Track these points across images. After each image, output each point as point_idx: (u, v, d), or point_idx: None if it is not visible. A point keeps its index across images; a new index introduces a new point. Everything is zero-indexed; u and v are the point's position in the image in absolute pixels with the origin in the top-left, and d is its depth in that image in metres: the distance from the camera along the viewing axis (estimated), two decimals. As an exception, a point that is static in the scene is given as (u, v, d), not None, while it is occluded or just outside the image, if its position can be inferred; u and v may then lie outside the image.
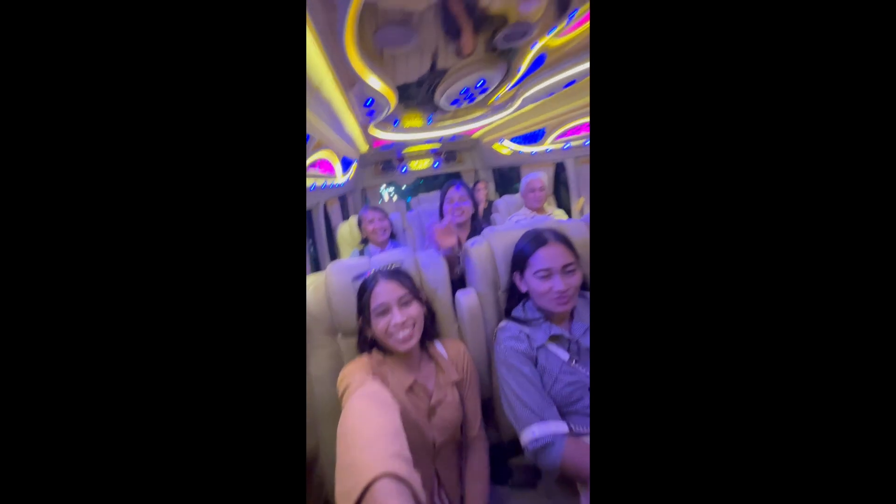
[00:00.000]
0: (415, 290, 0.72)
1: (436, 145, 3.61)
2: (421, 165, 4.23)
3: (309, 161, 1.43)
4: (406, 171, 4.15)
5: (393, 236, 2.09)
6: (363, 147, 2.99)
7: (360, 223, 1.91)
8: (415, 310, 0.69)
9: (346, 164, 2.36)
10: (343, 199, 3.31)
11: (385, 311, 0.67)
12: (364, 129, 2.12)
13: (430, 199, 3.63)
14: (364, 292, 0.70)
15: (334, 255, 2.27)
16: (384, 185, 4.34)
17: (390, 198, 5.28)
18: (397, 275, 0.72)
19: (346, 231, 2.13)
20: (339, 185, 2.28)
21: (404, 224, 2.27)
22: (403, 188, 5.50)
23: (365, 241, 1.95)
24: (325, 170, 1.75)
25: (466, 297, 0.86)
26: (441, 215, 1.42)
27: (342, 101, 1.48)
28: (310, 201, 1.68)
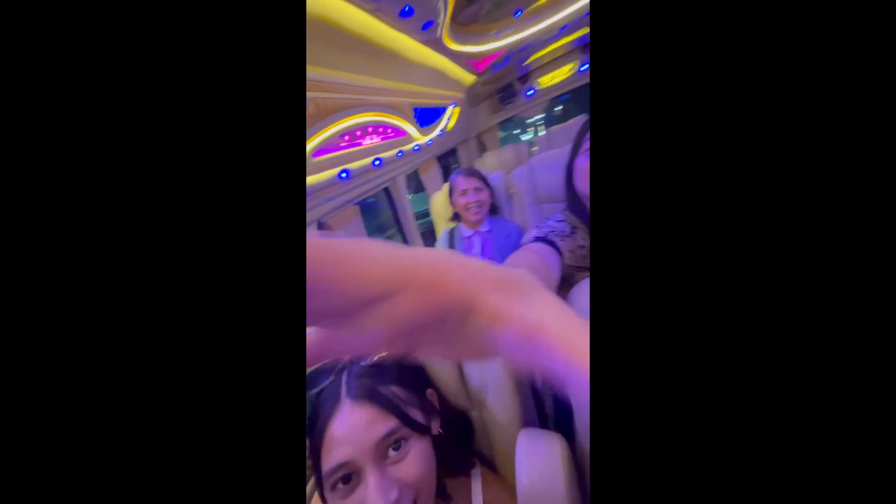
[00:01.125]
0: (424, 412, 0.32)
1: (583, 31, 2.14)
2: (557, 78, 2.82)
3: (341, 128, 1.05)
4: (534, 93, 2.93)
5: (494, 210, 1.52)
6: (466, 79, 2.25)
7: (450, 193, 1.47)
8: (416, 464, 0.28)
9: (427, 114, 1.82)
10: (446, 159, 2.83)
11: (349, 477, 0.28)
12: (453, 55, 1.45)
13: (569, 131, 2.41)
14: (315, 422, 0.31)
15: (431, 238, 2.01)
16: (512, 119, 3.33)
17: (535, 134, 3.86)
18: (380, 385, 0.31)
19: (440, 202, 1.72)
20: (427, 144, 1.83)
21: (509, 186, 1.57)
22: (535, 122, 3.99)
23: (456, 216, 1.53)
24: (387, 135, 1.35)
25: (546, 461, 0.33)
26: (570, 180, 0.66)
27: (383, 30, 0.94)
28: (376, 181, 1.39)
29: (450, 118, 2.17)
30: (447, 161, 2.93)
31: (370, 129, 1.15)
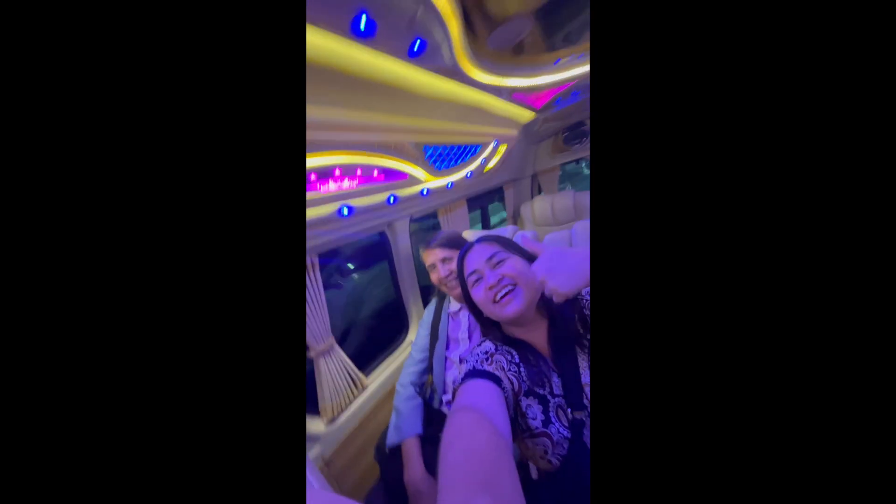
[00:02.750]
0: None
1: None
2: None
3: (314, 163, 0.87)
4: (613, 135, 2.40)
5: None
6: (522, 117, 1.92)
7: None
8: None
9: (452, 154, 1.53)
10: (488, 199, 2.47)
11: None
12: (510, 98, 1.18)
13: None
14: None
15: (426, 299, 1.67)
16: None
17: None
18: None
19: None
20: (447, 188, 1.54)
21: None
22: None
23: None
24: (390, 176, 1.11)
25: None
26: (479, 314, 0.67)
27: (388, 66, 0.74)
28: (373, 226, 1.17)
29: (487, 158, 1.85)
30: (486, 202, 2.58)
31: (337, 172, 0.93)
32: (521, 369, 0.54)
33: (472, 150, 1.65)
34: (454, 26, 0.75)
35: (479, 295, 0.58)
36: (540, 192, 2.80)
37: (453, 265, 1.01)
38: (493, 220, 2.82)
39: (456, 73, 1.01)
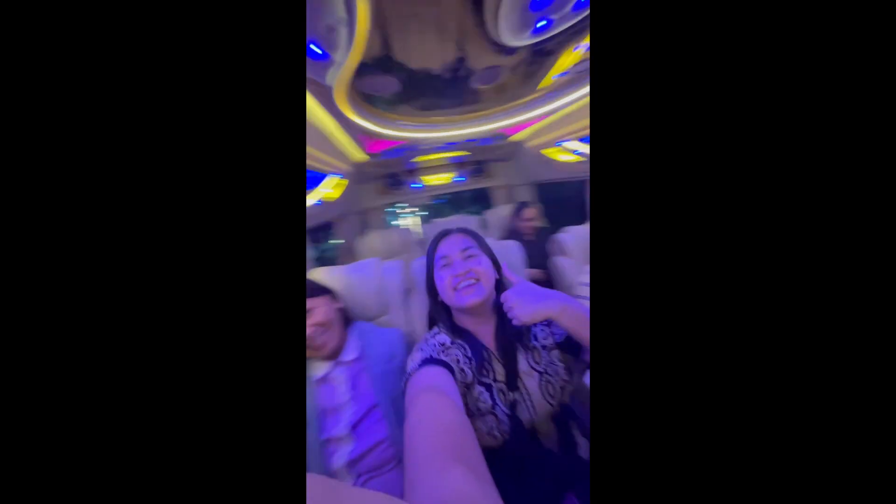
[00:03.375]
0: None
1: (464, 152, 2.61)
2: (439, 180, 3.25)
3: None
4: (421, 187, 3.18)
5: (347, 315, 0.82)
6: (355, 156, 2.06)
7: None
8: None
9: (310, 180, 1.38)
10: (321, 232, 2.32)
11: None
12: (355, 136, 1.18)
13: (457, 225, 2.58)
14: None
15: None
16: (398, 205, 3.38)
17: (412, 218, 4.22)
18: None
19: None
20: None
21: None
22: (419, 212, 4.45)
23: None
24: None
25: None
26: (435, 296, 0.64)
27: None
28: None
29: (332, 189, 1.76)
30: (319, 236, 2.35)
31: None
32: (473, 363, 0.57)
33: (319, 178, 1.51)
34: (356, 56, 0.78)
35: (442, 279, 0.59)
36: (368, 228, 2.96)
37: (319, 317, 0.71)
38: (327, 245, 2.59)
39: (327, 94, 0.97)
